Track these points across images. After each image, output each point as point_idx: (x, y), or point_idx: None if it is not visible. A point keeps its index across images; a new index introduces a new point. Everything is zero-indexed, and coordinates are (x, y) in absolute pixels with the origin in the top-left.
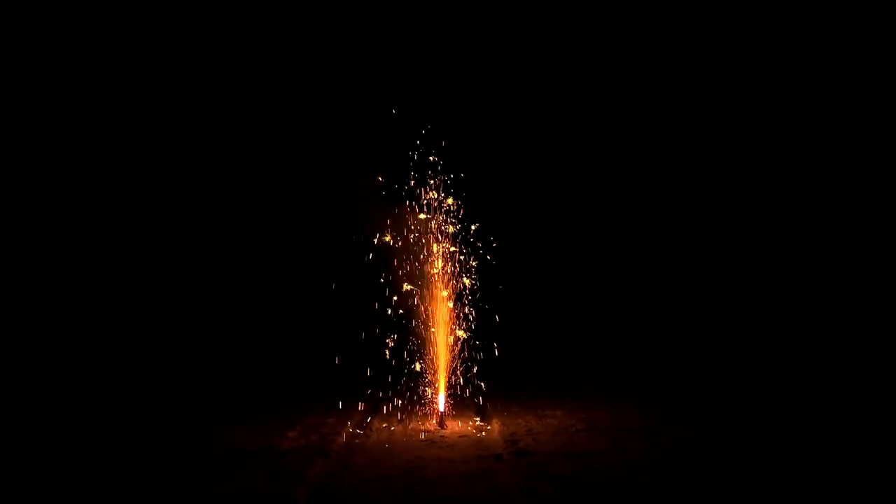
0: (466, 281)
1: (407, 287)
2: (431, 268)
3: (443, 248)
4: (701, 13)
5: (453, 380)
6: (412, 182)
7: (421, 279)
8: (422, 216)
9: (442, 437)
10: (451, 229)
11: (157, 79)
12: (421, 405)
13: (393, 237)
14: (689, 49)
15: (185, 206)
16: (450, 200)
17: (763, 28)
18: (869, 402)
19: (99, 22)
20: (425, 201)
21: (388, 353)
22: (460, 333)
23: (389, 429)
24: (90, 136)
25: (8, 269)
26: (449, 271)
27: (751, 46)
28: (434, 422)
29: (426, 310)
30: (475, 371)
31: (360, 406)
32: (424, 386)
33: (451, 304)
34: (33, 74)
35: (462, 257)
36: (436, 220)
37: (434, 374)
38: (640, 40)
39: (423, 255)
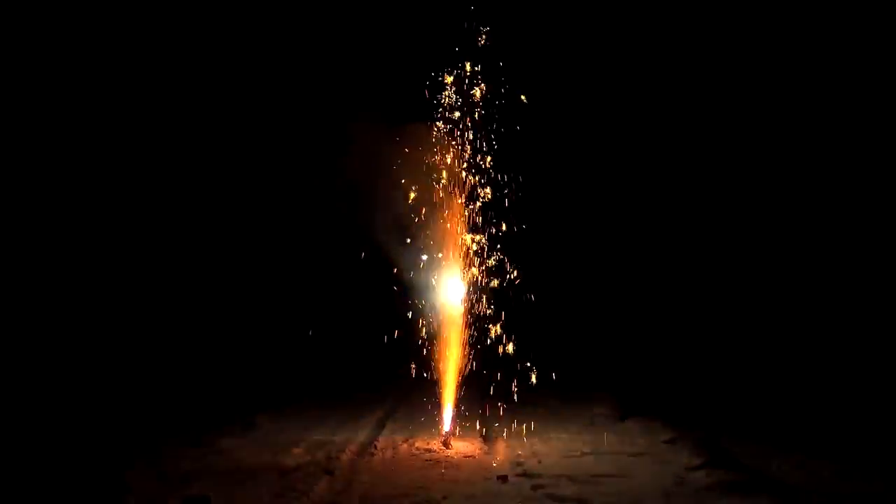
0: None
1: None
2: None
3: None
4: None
5: (459, 401)
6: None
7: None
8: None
9: (447, 457)
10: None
11: (174, 78)
12: (427, 425)
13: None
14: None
15: (193, 207)
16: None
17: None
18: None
19: (99, 22)
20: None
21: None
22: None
23: (395, 448)
24: (90, 137)
25: (9, 272)
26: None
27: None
28: (439, 441)
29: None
30: (483, 392)
31: (366, 424)
32: (431, 406)
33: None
34: (33, 74)
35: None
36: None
37: (441, 396)
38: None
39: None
